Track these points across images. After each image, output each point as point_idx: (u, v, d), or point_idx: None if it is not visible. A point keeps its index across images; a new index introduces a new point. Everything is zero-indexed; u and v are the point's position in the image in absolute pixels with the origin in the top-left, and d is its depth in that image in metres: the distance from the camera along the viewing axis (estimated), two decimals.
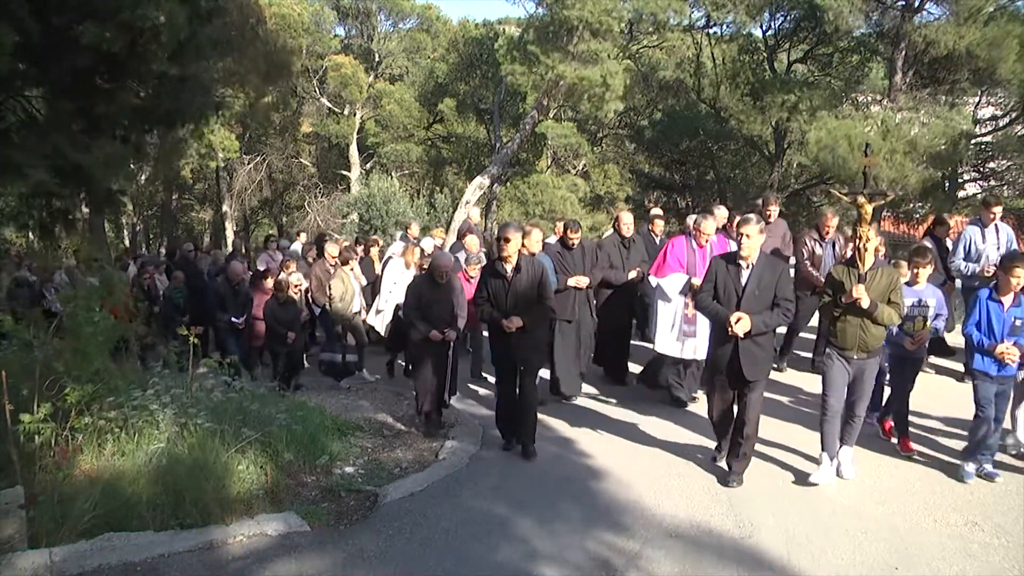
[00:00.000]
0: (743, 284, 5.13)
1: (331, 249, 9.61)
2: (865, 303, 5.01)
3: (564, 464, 5.75)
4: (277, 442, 5.40)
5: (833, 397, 5.27)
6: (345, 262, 9.16)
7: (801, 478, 5.34)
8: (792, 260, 7.93)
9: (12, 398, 4.27)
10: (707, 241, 6.99)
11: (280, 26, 22.80)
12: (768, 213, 8.04)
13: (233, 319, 9.10)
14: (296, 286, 9.20)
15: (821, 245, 7.74)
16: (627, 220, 8.03)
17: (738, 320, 4.99)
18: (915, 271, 5.83)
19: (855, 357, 5.17)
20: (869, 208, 5.20)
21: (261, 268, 10.35)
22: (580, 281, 7.36)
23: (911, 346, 5.72)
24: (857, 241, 5.15)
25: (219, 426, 5.11)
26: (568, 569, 4.10)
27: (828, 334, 5.39)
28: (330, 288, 8.92)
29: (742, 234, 5.12)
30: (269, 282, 9.25)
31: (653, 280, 7.11)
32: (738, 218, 5.78)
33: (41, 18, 7.86)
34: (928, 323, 5.73)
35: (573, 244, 7.54)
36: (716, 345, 5.35)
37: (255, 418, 5.58)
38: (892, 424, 6.07)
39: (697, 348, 6.85)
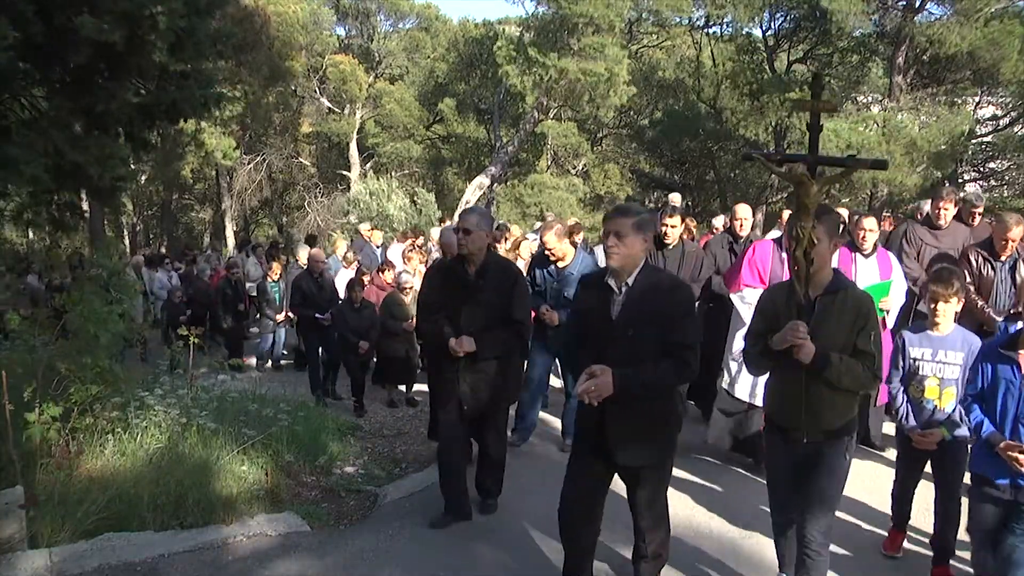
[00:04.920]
0: (613, 317, 3.27)
1: (447, 237, 9.17)
2: (806, 353, 3.06)
3: (564, 465, 5.73)
4: (278, 443, 5.41)
5: (776, 506, 3.55)
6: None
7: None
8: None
9: (13, 398, 4.26)
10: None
11: (278, 25, 22.84)
12: (940, 210, 6.00)
13: (317, 315, 8.22)
14: (406, 287, 8.15)
15: (992, 265, 5.49)
16: (743, 214, 6.16)
17: (589, 377, 3.13)
18: (932, 306, 3.83)
19: (804, 439, 3.23)
20: (814, 188, 3.08)
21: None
22: None
23: (917, 439, 3.80)
24: (794, 245, 3.13)
25: (221, 426, 5.12)
26: None
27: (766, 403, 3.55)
28: None
29: (608, 232, 3.24)
30: (389, 275, 8.47)
31: (736, 298, 5.17)
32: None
33: (42, 15, 7.87)
34: (946, 390, 3.75)
35: (670, 243, 5.73)
36: (578, 411, 3.52)
37: (257, 419, 5.58)
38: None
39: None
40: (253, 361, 10.62)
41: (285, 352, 10.66)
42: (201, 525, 4.33)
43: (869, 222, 5.46)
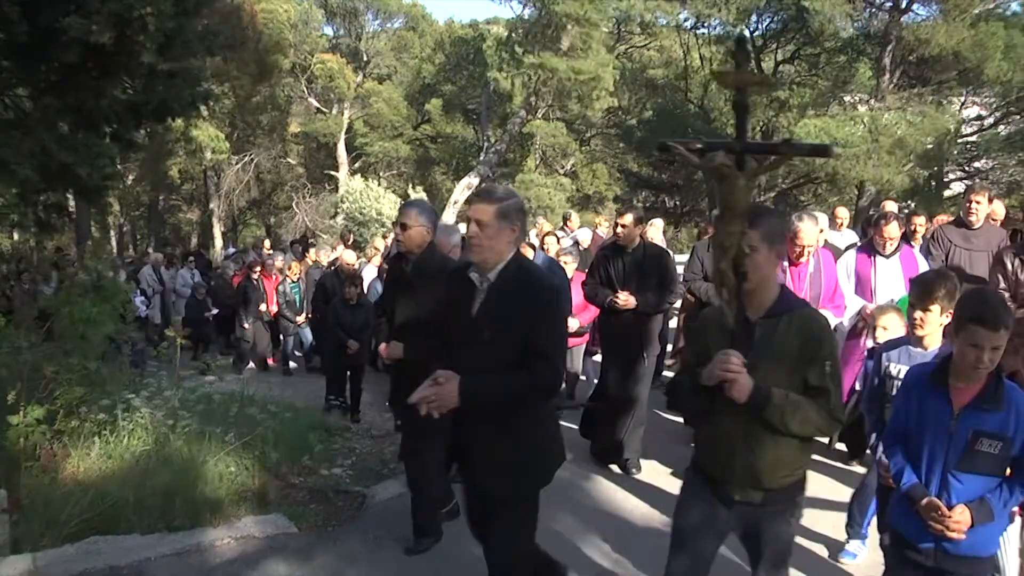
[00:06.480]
0: (473, 315, 2.85)
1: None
2: (739, 389, 2.38)
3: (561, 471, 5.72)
4: (265, 444, 5.38)
5: (676, 561, 2.72)
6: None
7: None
8: None
9: None
10: (805, 255, 4.62)
11: (267, 22, 22.78)
12: (971, 204, 5.20)
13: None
14: None
15: None
16: None
17: (434, 384, 2.67)
18: (918, 316, 3.13)
19: (736, 497, 2.58)
20: (741, 182, 2.35)
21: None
22: (626, 301, 4.96)
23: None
24: (719, 256, 2.42)
25: (208, 428, 5.09)
26: None
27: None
28: None
29: (469, 220, 2.85)
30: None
31: None
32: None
33: (28, 15, 7.81)
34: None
35: (629, 243, 5.08)
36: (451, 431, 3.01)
37: (244, 420, 5.55)
38: None
39: None
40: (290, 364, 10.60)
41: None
42: (188, 527, 4.29)
43: (890, 229, 4.96)
